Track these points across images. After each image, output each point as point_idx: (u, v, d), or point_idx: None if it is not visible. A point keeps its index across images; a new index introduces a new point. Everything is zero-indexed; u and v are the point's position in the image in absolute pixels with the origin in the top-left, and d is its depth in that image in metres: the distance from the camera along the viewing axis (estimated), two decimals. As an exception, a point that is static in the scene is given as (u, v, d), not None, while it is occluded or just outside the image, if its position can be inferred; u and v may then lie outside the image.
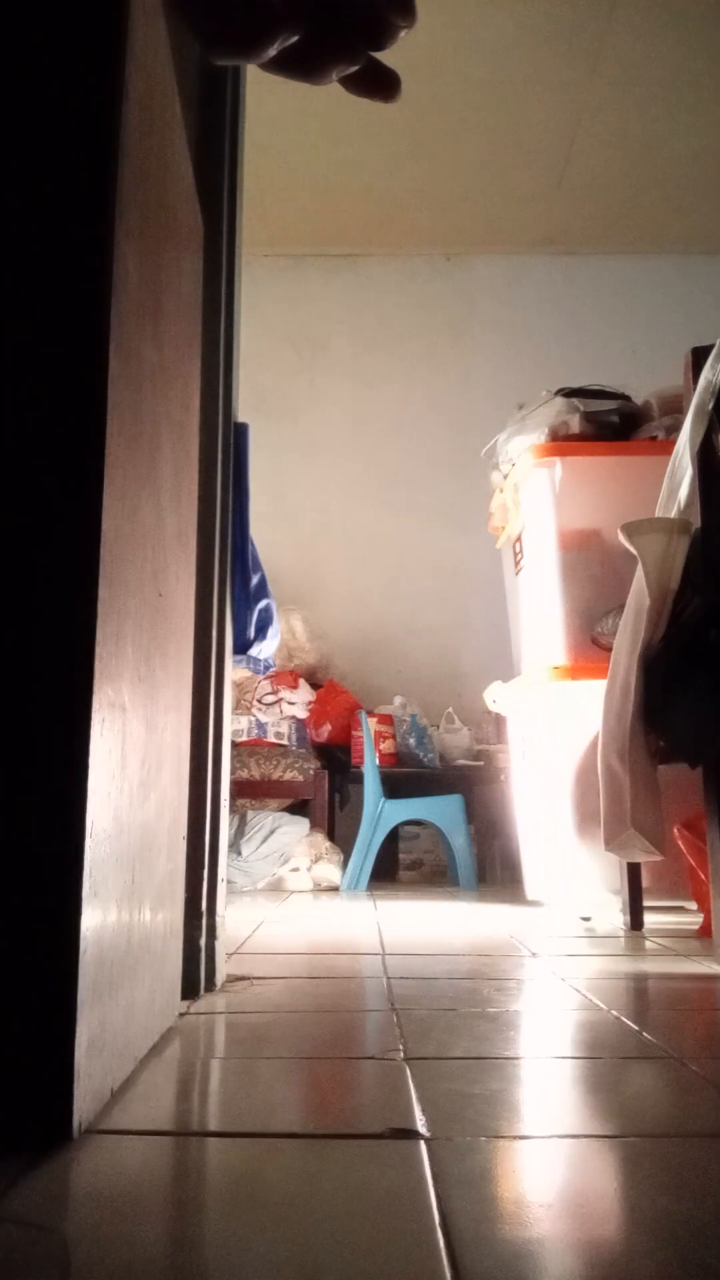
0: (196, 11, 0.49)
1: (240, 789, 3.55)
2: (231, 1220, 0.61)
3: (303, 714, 3.82)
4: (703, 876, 2.12)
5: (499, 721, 3.74)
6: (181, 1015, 1.23)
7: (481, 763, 3.85)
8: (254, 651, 1.78)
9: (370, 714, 3.76)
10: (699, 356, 1.97)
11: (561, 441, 2.90)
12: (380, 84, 0.53)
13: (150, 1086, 0.92)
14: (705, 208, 4.48)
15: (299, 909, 2.80)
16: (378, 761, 3.59)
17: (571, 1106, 0.91)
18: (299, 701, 3.82)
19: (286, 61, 0.50)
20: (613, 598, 2.56)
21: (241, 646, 1.72)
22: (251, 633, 1.73)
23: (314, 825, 3.65)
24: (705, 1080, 0.96)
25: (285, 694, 3.80)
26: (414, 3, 0.51)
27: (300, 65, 0.51)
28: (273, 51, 0.48)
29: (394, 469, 4.64)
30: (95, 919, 0.79)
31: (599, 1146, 0.77)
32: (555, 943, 2.02)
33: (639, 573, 1.98)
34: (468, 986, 1.48)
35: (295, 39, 0.49)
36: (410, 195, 4.42)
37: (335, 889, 3.44)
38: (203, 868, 1.40)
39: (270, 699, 3.78)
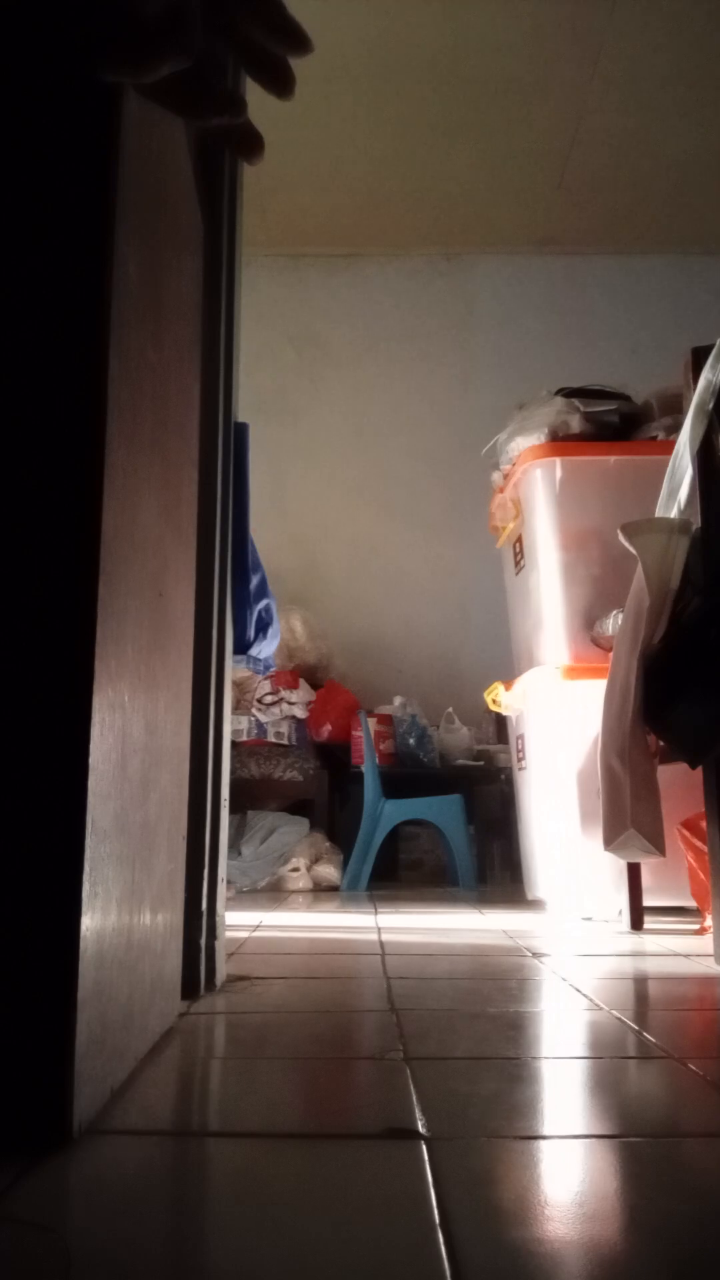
0: (85, 25, 0.49)
1: (240, 789, 3.55)
2: (231, 1221, 0.61)
3: (303, 714, 3.82)
4: (703, 876, 2.12)
5: (499, 721, 3.74)
6: (181, 1015, 1.23)
7: (481, 763, 3.85)
8: (254, 651, 1.78)
9: (370, 714, 3.76)
10: (699, 356, 1.97)
11: (561, 441, 2.90)
12: (245, 143, 0.55)
13: (150, 1086, 0.91)
14: (704, 208, 4.48)
15: (299, 909, 2.80)
16: (378, 761, 3.59)
17: (572, 1106, 0.91)
18: (299, 701, 3.82)
19: (169, 91, 0.50)
20: (613, 598, 2.56)
21: (241, 646, 1.72)
22: (251, 633, 1.73)
23: (314, 825, 3.65)
24: (705, 1080, 0.96)
25: (285, 694, 3.81)
26: (302, 31, 0.52)
27: (180, 99, 0.51)
28: (162, 73, 0.48)
29: (394, 468, 4.64)
30: (95, 919, 0.79)
31: (599, 1147, 0.77)
32: (555, 943, 2.02)
33: (639, 573, 1.98)
34: (468, 987, 1.48)
35: (184, 67, 0.49)
36: (410, 195, 4.43)
37: (335, 889, 3.44)
38: (203, 868, 1.40)
39: (270, 699, 3.78)
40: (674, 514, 2.00)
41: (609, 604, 2.64)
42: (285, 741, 3.75)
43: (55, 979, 0.75)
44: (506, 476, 3.12)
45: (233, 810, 3.40)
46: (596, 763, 2.07)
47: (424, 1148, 0.74)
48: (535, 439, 2.94)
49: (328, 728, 3.85)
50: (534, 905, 2.88)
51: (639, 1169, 0.72)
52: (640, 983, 1.60)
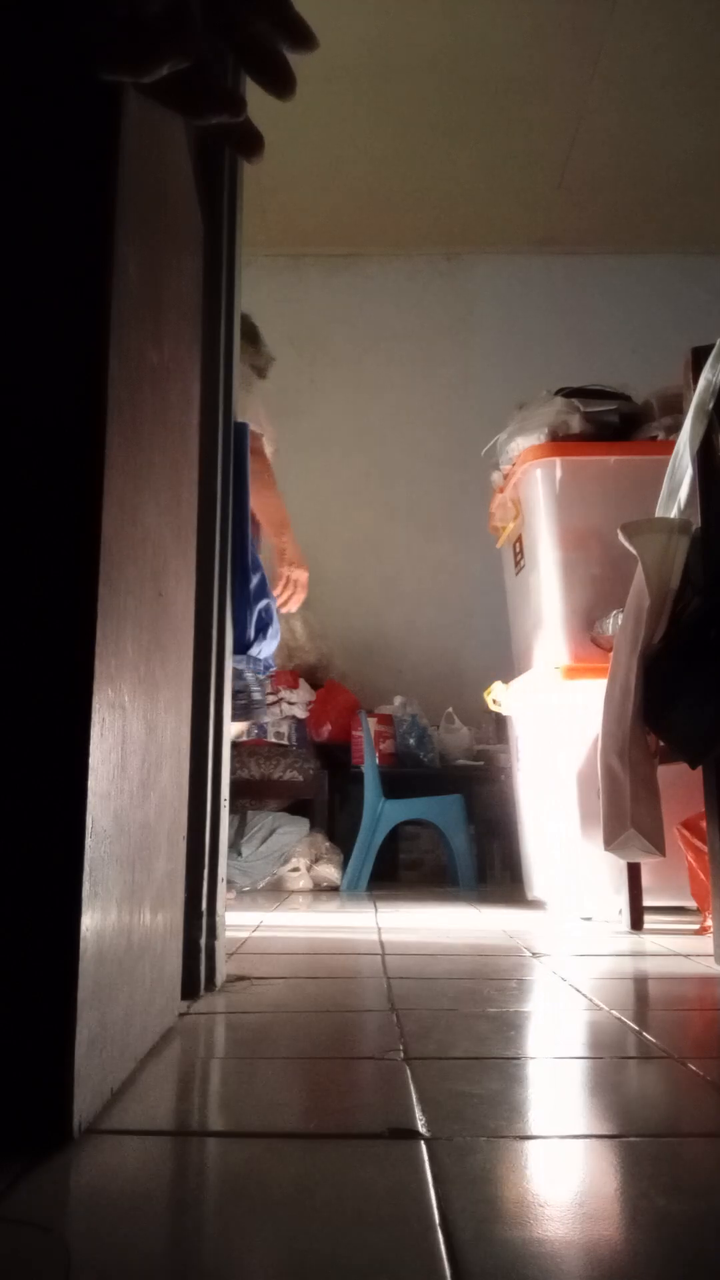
0: (84, 25, 0.49)
1: (240, 789, 3.55)
2: (231, 1220, 0.61)
3: (303, 714, 3.82)
4: (703, 876, 2.12)
5: (499, 721, 3.74)
6: (181, 1015, 1.23)
7: (481, 763, 3.85)
8: (254, 651, 1.78)
9: (370, 714, 3.76)
10: (699, 356, 1.97)
11: (561, 441, 2.90)
12: (245, 142, 0.55)
13: (150, 1086, 0.91)
14: (704, 208, 4.48)
15: (299, 909, 2.80)
16: (378, 761, 3.59)
17: (572, 1106, 0.91)
18: (299, 701, 3.82)
19: (169, 90, 0.50)
20: (613, 598, 2.56)
21: (241, 646, 1.72)
22: (251, 633, 1.73)
23: (314, 825, 3.65)
24: (705, 1080, 0.96)
25: (285, 694, 3.81)
26: (307, 26, 0.51)
27: (180, 98, 0.51)
28: (162, 72, 0.48)
29: (394, 468, 4.64)
30: (95, 919, 0.79)
31: (599, 1146, 0.77)
32: (555, 943, 2.02)
33: (639, 573, 1.98)
34: (468, 987, 1.48)
35: (184, 67, 0.49)
36: (410, 195, 4.43)
37: (335, 889, 3.44)
38: (203, 868, 1.40)
39: (270, 699, 3.79)
40: (674, 514, 2.00)
41: (609, 604, 2.64)
42: (285, 741, 3.75)
43: (55, 979, 0.75)
44: (506, 476, 3.12)
45: (233, 810, 3.40)
46: (596, 763, 2.07)
47: (424, 1148, 0.74)
48: (535, 439, 2.94)
49: (328, 728, 3.85)
50: (534, 905, 2.88)
51: (639, 1169, 0.72)
52: (640, 983, 1.60)
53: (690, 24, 3.51)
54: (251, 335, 3.04)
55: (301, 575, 2.88)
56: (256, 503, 2.81)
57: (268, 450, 2.88)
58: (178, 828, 1.25)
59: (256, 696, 2.83)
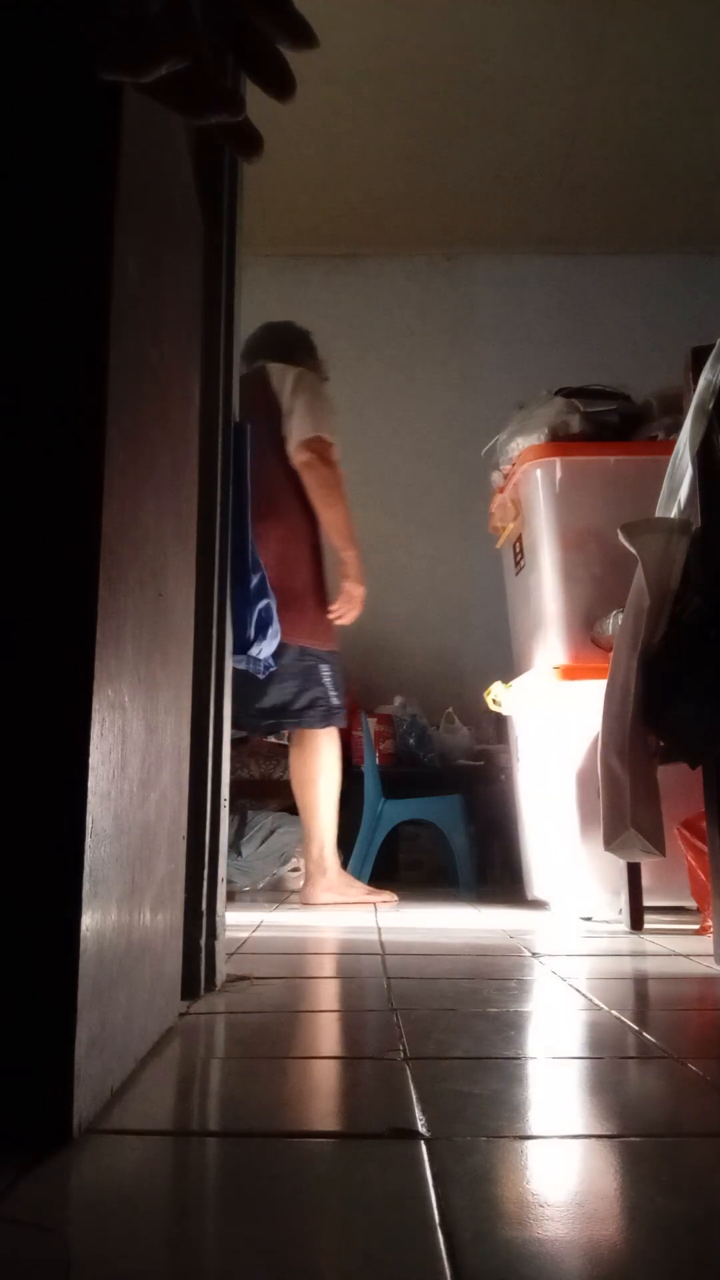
0: (83, 24, 0.49)
1: (240, 789, 3.55)
2: (231, 1220, 0.61)
3: (303, 714, 3.81)
4: (703, 876, 2.12)
5: (499, 721, 3.74)
6: (181, 1015, 1.23)
7: (481, 763, 3.85)
8: (254, 651, 1.78)
9: (370, 714, 3.75)
10: (699, 356, 1.97)
11: (561, 441, 2.90)
12: (244, 142, 0.55)
13: (150, 1086, 0.92)
14: (704, 207, 4.48)
15: (299, 909, 2.80)
16: (378, 761, 3.59)
17: (572, 1106, 0.91)
18: (299, 702, 3.81)
19: (168, 89, 0.50)
20: (613, 598, 2.56)
21: (241, 646, 1.72)
22: (251, 633, 1.73)
23: (314, 825, 3.64)
24: (705, 1080, 0.96)
25: (285, 694, 3.79)
26: (308, 24, 0.52)
27: (179, 97, 0.51)
28: (161, 72, 0.49)
29: (394, 468, 4.64)
30: (95, 919, 0.79)
31: (599, 1146, 0.77)
32: (555, 943, 2.02)
33: (639, 573, 1.98)
34: (468, 986, 1.48)
35: (183, 67, 0.49)
36: (410, 195, 4.43)
37: (335, 889, 3.44)
38: (203, 868, 1.40)
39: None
40: (674, 514, 2.00)
41: (609, 604, 2.64)
42: (285, 741, 3.75)
43: (56, 979, 0.75)
44: (506, 477, 3.12)
45: (233, 810, 3.40)
46: (595, 763, 2.07)
47: (424, 1147, 0.74)
48: (535, 439, 2.94)
49: (328, 728, 3.84)
50: (534, 905, 2.88)
51: (639, 1169, 0.72)
52: (640, 982, 1.60)
53: (691, 23, 3.51)
54: (314, 351, 3.12)
55: (359, 591, 2.95)
56: (327, 514, 2.91)
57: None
58: (178, 828, 1.25)
59: (335, 702, 2.89)
